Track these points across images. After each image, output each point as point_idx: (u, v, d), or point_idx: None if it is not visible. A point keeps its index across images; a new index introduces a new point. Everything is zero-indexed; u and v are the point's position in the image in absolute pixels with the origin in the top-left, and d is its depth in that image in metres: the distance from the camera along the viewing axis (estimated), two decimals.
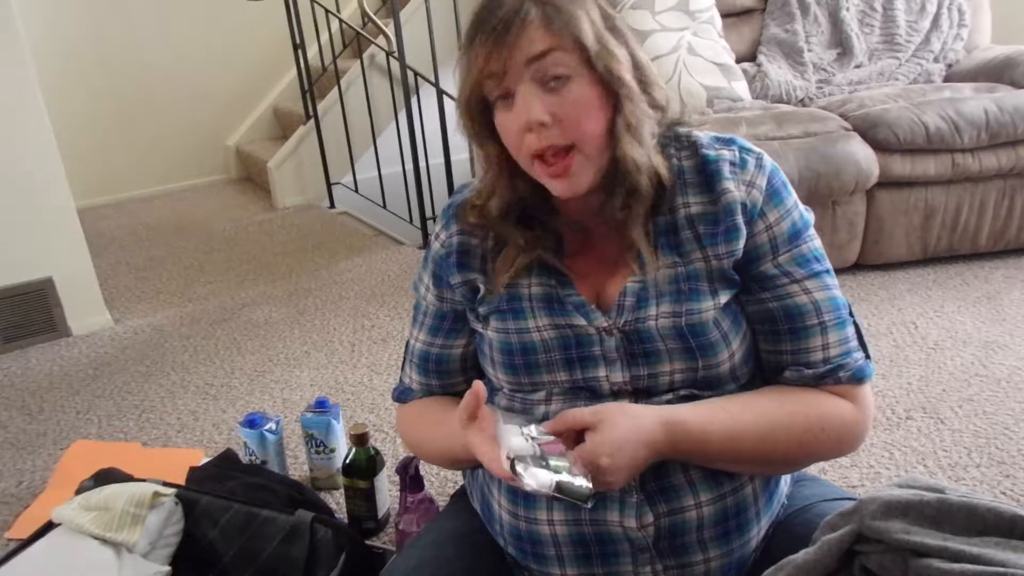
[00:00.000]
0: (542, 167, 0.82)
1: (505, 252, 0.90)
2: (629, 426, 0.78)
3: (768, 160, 0.88)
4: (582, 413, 0.79)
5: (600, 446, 0.75)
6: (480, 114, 0.85)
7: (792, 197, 0.88)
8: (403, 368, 1.06)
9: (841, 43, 2.88)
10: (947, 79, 2.83)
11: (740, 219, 0.84)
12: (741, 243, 0.85)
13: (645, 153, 0.84)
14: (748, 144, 0.89)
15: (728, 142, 0.88)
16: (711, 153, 0.87)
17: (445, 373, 1.00)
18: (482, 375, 0.99)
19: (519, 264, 0.89)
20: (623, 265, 0.88)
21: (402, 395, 1.06)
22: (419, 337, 1.01)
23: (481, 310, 0.92)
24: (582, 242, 0.91)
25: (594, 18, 0.82)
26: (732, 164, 0.86)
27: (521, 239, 0.88)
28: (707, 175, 0.86)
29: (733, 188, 0.85)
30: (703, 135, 0.89)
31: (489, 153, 0.87)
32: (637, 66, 0.84)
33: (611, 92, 0.82)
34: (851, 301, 0.91)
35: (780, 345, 0.87)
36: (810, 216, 0.90)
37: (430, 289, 0.98)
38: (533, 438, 0.77)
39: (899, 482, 0.72)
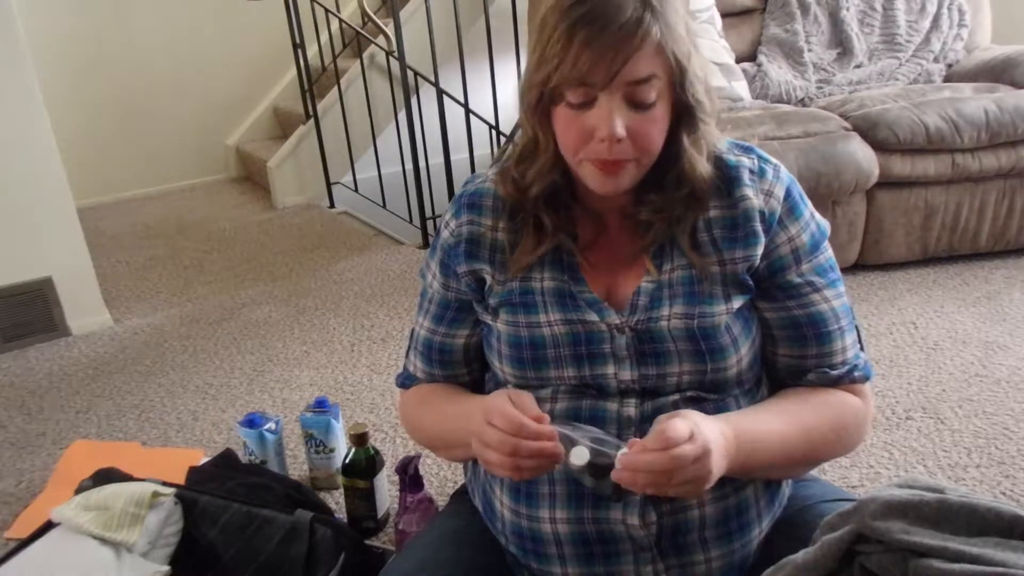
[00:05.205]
0: (593, 164, 0.81)
1: (524, 239, 0.90)
2: (713, 432, 0.76)
3: (785, 172, 0.90)
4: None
5: (686, 451, 0.72)
6: (538, 101, 0.83)
7: (809, 208, 0.90)
8: (407, 355, 1.06)
9: (841, 43, 2.88)
10: (947, 79, 2.83)
11: (758, 226, 0.86)
12: (758, 250, 0.86)
13: (708, 165, 0.85)
14: (766, 154, 0.90)
15: (747, 150, 0.90)
16: (731, 159, 0.88)
17: (449, 363, 1.00)
18: (486, 368, 0.99)
19: (542, 248, 0.88)
20: (637, 263, 0.89)
21: (405, 381, 1.06)
22: (423, 324, 1.01)
23: (491, 301, 0.92)
24: (596, 235, 0.91)
25: (687, 33, 0.80)
26: (751, 172, 0.87)
27: (549, 221, 0.88)
28: (726, 180, 0.87)
29: (752, 195, 0.86)
30: (722, 140, 0.90)
31: (548, 141, 0.85)
32: (706, 79, 0.84)
33: (685, 110, 0.82)
34: (851, 301, 0.94)
35: (806, 350, 0.89)
36: (826, 226, 0.92)
37: (436, 277, 0.98)
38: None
39: (899, 482, 0.72)
